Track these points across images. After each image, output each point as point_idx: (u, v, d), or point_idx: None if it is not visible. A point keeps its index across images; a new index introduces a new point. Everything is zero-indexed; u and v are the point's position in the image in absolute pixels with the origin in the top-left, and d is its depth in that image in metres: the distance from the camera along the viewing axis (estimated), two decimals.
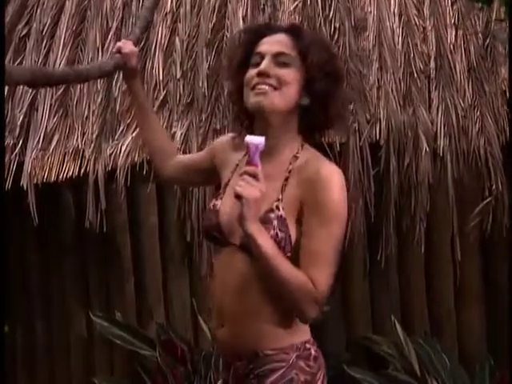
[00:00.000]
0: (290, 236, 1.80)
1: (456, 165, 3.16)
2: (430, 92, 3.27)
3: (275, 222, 1.80)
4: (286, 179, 1.84)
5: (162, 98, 3.41)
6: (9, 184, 3.41)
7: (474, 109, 3.22)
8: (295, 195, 1.82)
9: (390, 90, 3.26)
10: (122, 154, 3.38)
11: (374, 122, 3.21)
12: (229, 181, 1.95)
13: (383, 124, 3.22)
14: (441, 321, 3.45)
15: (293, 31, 1.92)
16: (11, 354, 3.92)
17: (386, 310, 3.46)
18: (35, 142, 3.42)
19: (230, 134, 2.09)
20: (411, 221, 3.21)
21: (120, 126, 3.43)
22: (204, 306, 3.64)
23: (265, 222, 1.80)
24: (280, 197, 1.82)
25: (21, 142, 3.45)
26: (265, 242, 1.76)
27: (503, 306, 3.30)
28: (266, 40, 1.91)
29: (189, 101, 3.41)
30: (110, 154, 3.40)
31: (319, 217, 1.78)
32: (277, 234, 1.79)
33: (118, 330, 3.65)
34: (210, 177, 2.10)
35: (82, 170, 3.41)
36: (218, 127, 3.35)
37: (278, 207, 1.81)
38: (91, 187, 3.43)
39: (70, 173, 3.40)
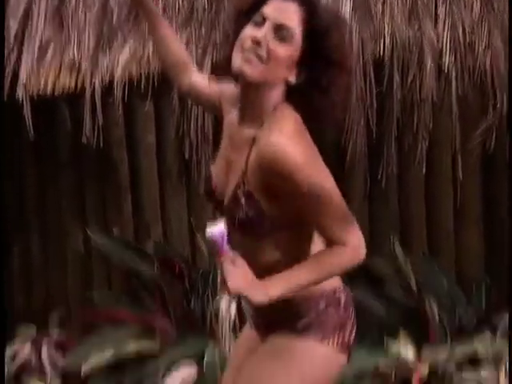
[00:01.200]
0: (262, 212, 1.70)
1: (461, 82, 3.09)
2: (436, 7, 3.17)
3: (243, 200, 1.71)
4: (250, 148, 1.72)
5: (160, 9, 3.31)
6: (4, 96, 3.35)
7: (482, 24, 3.12)
8: (258, 171, 1.69)
9: (395, 4, 3.16)
10: (119, 67, 3.30)
11: (378, 37, 3.13)
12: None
13: (387, 40, 3.13)
14: (439, 241, 3.43)
15: (308, 4, 1.72)
16: (8, 271, 3.93)
17: (385, 230, 3.44)
18: (30, 52, 3.34)
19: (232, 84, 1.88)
20: (413, 139, 3.16)
21: (117, 37, 3.34)
22: (202, 224, 3.63)
23: (234, 199, 1.72)
24: (244, 169, 1.72)
25: (15, 52, 3.37)
26: (281, 285, 1.70)
27: (502, 227, 3.28)
28: (275, 2, 1.72)
29: (188, 13, 3.32)
30: (107, 67, 3.33)
31: (302, 197, 1.67)
32: (246, 214, 1.71)
33: (115, 246, 3.65)
34: (215, 111, 1.99)
35: (79, 84, 3.34)
36: (218, 41, 3.27)
37: (244, 182, 1.71)
38: (88, 101, 3.37)
39: (66, 86, 3.33)
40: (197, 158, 3.51)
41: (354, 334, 1.86)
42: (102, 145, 3.51)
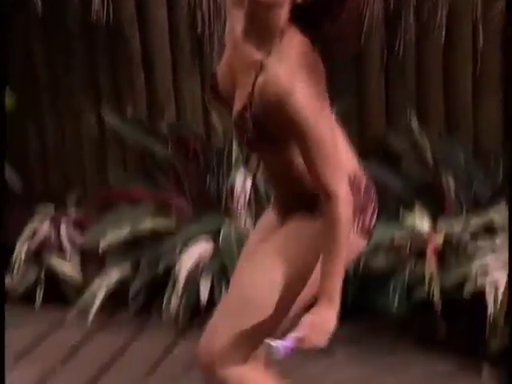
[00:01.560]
0: (270, 134, 1.70)
1: None
2: None
3: (249, 123, 1.69)
4: (257, 74, 1.67)
5: None
6: None
7: None
8: (262, 99, 1.66)
9: None
10: None
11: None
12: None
13: None
14: (457, 115, 3.37)
15: None
16: (23, 152, 3.93)
17: (401, 104, 3.38)
18: None
19: None
20: (433, 7, 3.04)
21: None
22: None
23: (241, 119, 1.69)
24: (251, 92, 1.68)
25: None
26: (333, 293, 1.73)
27: None
28: None
29: None
30: None
31: (298, 136, 1.66)
32: (254, 134, 1.69)
33: (129, 126, 3.63)
34: None
35: None
36: None
37: (251, 104, 1.68)
38: None
39: None
40: (209, 32, 3.43)
41: (374, 218, 1.85)
42: (112, 21, 3.43)
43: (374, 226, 1.85)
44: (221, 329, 1.82)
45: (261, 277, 1.79)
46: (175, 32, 3.56)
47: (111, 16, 3.38)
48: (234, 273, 1.96)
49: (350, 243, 1.76)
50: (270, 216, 1.95)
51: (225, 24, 3.37)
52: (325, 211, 1.69)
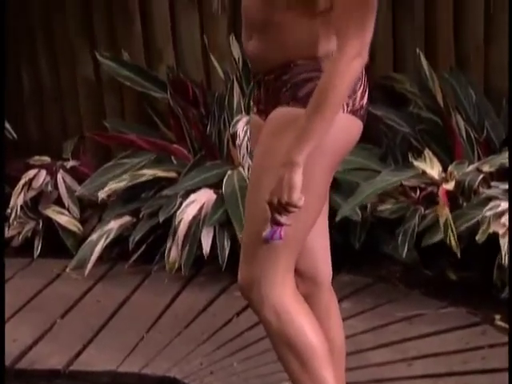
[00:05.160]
0: None
1: None
2: None
3: None
4: None
5: None
6: None
7: None
8: None
9: None
10: None
11: None
12: None
13: None
14: (468, 55, 3.23)
15: None
16: (17, 99, 3.82)
17: (409, 44, 3.24)
18: None
19: None
20: None
21: None
22: (216, 44, 3.45)
23: None
24: None
25: None
26: (306, 137, 1.59)
27: None
28: None
29: None
30: None
31: None
32: None
33: (126, 71, 3.50)
34: None
35: None
36: None
37: None
38: None
39: None
40: None
41: (366, 98, 1.74)
42: None
43: (367, 105, 1.74)
44: (245, 252, 1.76)
45: (256, 193, 1.71)
46: None
47: None
48: None
49: (347, 125, 1.69)
50: (257, 121, 1.83)
51: None
52: (331, 60, 1.59)
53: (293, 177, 1.59)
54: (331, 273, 1.94)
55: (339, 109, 1.62)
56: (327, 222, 1.91)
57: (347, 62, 1.58)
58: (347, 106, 1.69)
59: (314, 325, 1.77)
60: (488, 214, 2.58)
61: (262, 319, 1.78)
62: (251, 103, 1.87)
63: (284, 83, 1.71)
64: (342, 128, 1.69)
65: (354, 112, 1.72)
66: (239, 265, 1.79)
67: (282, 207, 1.60)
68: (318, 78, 1.65)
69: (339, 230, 3.00)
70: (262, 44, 1.72)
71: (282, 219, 1.63)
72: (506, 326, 2.57)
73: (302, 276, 1.86)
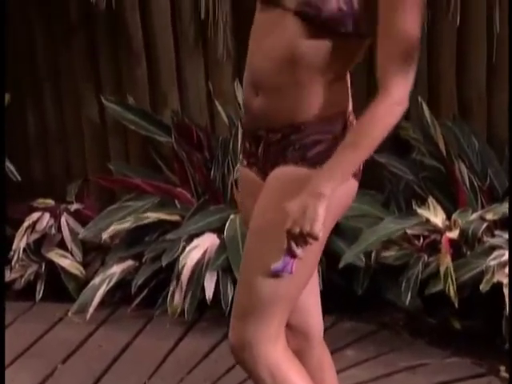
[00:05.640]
0: (352, 10, 1.59)
1: None
2: None
3: None
4: None
5: None
6: None
7: None
8: None
9: None
10: None
11: None
12: None
13: None
14: (471, 103, 3.26)
15: None
16: (22, 142, 3.84)
17: (413, 90, 3.26)
18: None
19: None
20: None
21: None
22: (221, 89, 3.48)
23: None
24: None
25: None
26: (340, 170, 1.59)
27: None
28: None
29: None
30: None
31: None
32: (339, 7, 1.58)
33: (131, 114, 3.52)
34: None
35: None
36: None
37: None
38: None
39: None
40: (214, 19, 3.33)
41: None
42: (113, 7, 3.33)
43: (363, 167, 1.75)
44: (238, 307, 1.75)
45: (258, 247, 1.70)
46: (178, 18, 3.45)
47: (113, 1, 3.28)
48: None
49: (352, 191, 1.71)
50: (247, 174, 1.83)
51: (230, 9, 3.31)
52: (375, 99, 1.58)
53: (318, 208, 1.57)
54: (322, 327, 1.94)
55: (373, 150, 1.62)
56: (318, 279, 1.92)
57: (391, 107, 1.59)
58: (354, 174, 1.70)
59: (307, 381, 1.76)
60: (492, 263, 2.58)
61: (256, 378, 1.76)
62: (241, 155, 1.85)
63: (291, 143, 1.71)
64: (347, 193, 1.70)
65: (356, 176, 1.73)
66: (231, 321, 1.76)
67: (301, 237, 1.59)
68: (329, 140, 1.68)
69: (342, 276, 3.01)
70: (270, 102, 1.70)
71: (298, 251, 1.62)
72: None
73: (293, 331, 1.85)
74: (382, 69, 1.60)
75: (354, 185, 1.74)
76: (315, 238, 1.59)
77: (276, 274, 1.66)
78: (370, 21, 1.62)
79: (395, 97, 1.59)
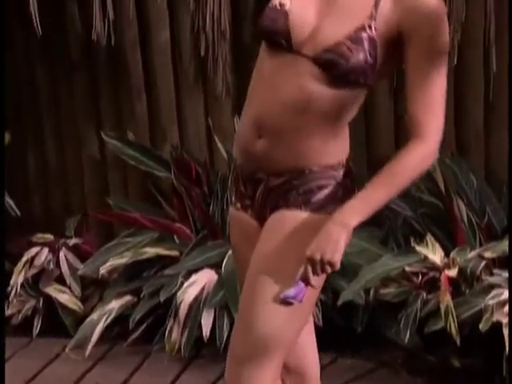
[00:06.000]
0: (375, 63, 1.63)
1: None
2: None
3: (366, 44, 1.61)
4: None
5: None
6: None
7: None
8: (391, 18, 1.63)
9: None
10: None
11: None
12: None
13: None
14: (469, 141, 3.28)
15: None
16: (22, 177, 3.85)
17: None
18: None
19: None
20: None
21: None
22: (220, 125, 3.50)
23: (355, 41, 1.61)
24: (374, 14, 1.62)
25: None
26: (359, 211, 1.61)
27: None
28: None
29: None
30: None
31: (430, 54, 1.63)
32: (366, 58, 1.61)
33: (131, 150, 3.54)
34: None
35: None
36: None
37: (370, 26, 1.62)
38: None
39: None
40: (213, 56, 3.36)
41: None
42: (113, 43, 3.36)
43: None
44: (236, 348, 1.74)
45: (262, 289, 1.68)
46: (178, 55, 3.48)
47: (113, 38, 3.32)
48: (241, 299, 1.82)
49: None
50: (241, 217, 1.82)
51: (229, 47, 3.34)
52: (410, 145, 1.64)
53: (342, 238, 1.59)
54: (319, 367, 1.93)
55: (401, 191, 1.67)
56: (312, 317, 1.92)
57: (426, 157, 1.65)
58: None
59: None
60: (491, 302, 2.57)
61: None
62: (233, 197, 1.83)
63: (294, 187, 1.71)
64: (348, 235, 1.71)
65: None
66: (227, 360, 1.75)
67: (321, 264, 1.60)
68: (332, 186, 1.70)
69: (341, 313, 3.00)
70: (274, 146, 1.70)
71: (313, 279, 1.62)
72: None
73: (290, 372, 1.85)
74: (415, 119, 1.64)
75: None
76: (334, 267, 1.60)
77: (277, 315, 1.66)
78: (381, 72, 1.67)
79: (431, 147, 1.65)
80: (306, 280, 1.62)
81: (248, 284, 1.74)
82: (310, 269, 1.61)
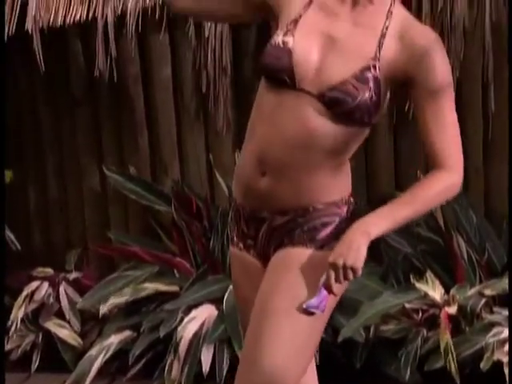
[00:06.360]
0: (380, 101, 1.66)
1: (495, 7, 2.92)
2: None
3: (371, 83, 1.64)
4: (383, 36, 1.67)
5: None
6: (13, 28, 3.22)
7: None
8: (395, 60, 1.67)
9: None
10: None
11: None
12: (300, 17, 1.72)
13: None
14: (468, 177, 3.29)
15: None
16: (24, 210, 3.86)
17: (410, 165, 3.31)
18: None
19: None
20: None
21: None
22: (221, 160, 3.52)
23: (361, 80, 1.64)
24: (378, 55, 1.66)
25: None
26: (382, 222, 1.64)
27: None
28: None
29: None
30: None
31: (437, 94, 1.67)
32: (371, 96, 1.65)
33: (132, 184, 3.55)
34: (249, 8, 1.83)
35: (90, 14, 3.21)
36: None
37: (374, 66, 1.65)
38: (100, 33, 3.25)
39: (78, 16, 3.20)
40: (214, 93, 3.39)
41: None
42: (116, 79, 3.39)
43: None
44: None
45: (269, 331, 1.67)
46: (180, 91, 3.52)
47: (115, 74, 3.35)
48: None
49: None
50: (244, 257, 1.82)
51: (230, 83, 3.37)
52: (434, 173, 1.68)
53: (363, 245, 1.61)
54: None
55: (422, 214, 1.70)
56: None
57: (449, 185, 1.70)
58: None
59: None
60: (491, 340, 2.57)
61: None
62: (234, 237, 1.82)
63: (299, 225, 1.73)
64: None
65: None
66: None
67: (343, 270, 1.61)
68: (336, 222, 1.71)
69: (341, 350, 2.99)
70: (279, 184, 1.71)
71: (335, 287, 1.63)
72: None
73: None
74: (439, 152, 1.69)
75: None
76: (356, 273, 1.62)
77: (284, 352, 1.64)
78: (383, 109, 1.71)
79: (455, 178, 1.70)
80: (328, 287, 1.64)
81: (254, 323, 1.73)
82: (332, 276, 1.62)
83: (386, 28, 1.67)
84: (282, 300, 1.69)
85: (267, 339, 1.67)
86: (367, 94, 1.64)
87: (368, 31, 1.68)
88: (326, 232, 1.71)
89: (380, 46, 1.66)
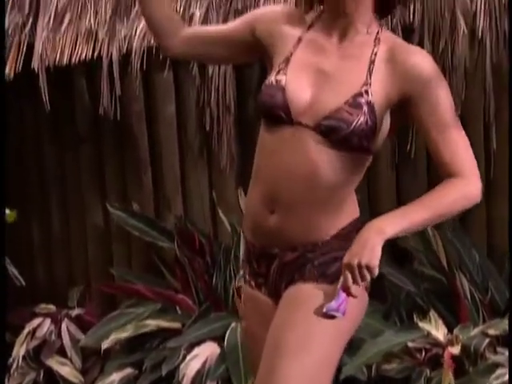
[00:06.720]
0: (376, 125, 1.69)
1: (496, 48, 2.95)
2: None
3: (365, 108, 1.67)
4: (373, 62, 1.71)
5: None
6: (19, 67, 3.26)
7: None
8: (387, 85, 1.70)
9: None
10: (137, 36, 3.20)
11: (408, 1, 2.98)
12: (291, 55, 1.77)
13: (417, 4, 2.99)
14: (470, 215, 3.30)
15: None
16: (27, 246, 3.87)
17: (413, 197, 3.31)
18: (46, 21, 3.24)
19: (279, 6, 1.96)
20: None
21: (135, 5, 3.23)
22: (224, 197, 3.53)
23: (355, 106, 1.67)
24: (369, 81, 1.69)
25: (30, 20, 3.27)
26: (397, 223, 1.63)
27: None
28: None
29: None
30: (125, 36, 3.22)
31: (440, 113, 1.71)
32: (367, 121, 1.67)
33: (135, 221, 3.56)
34: (243, 51, 1.88)
35: (96, 53, 3.25)
36: (240, 7, 3.14)
37: (366, 92, 1.69)
38: (105, 72, 3.28)
39: (83, 55, 3.24)
40: (218, 130, 3.41)
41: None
42: (120, 117, 3.42)
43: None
44: None
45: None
46: (184, 129, 3.55)
47: (119, 112, 3.38)
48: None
49: (362, 298, 1.73)
50: (256, 295, 1.83)
51: (234, 121, 3.40)
52: (451, 180, 1.69)
53: (377, 244, 1.60)
54: None
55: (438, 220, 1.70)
56: None
57: (467, 193, 1.71)
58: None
59: None
60: (495, 382, 2.55)
61: None
62: (246, 275, 1.85)
63: (309, 260, 1.74)
64: (363, 306, 1.75)
65: (367, 290, 1.78)
66: None
67: (359, 269, 1.59)
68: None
69: None
70: (288, 220, 1.73)
71: (353, 288, 1.61)
72: None
73: None
74: (456, 164, 1.72)
75: (366, 298, 1.78)
76: (372, 271, 1.59)
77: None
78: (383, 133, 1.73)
79: (471, 186, 1.71)
80: (346, 289, 1.62)
81: (266, 361, 1.71)
82: (349, 277, 1.61)
83: (375, 54, 1.72)
84: (295, 336, 1.68)
85: (279, 378, 1.66)
86: (362, 119, 1.67)
87: (357, 61, 1.72)
88: (336, 266, 1.72)
89: (370, 71, 1.70)
